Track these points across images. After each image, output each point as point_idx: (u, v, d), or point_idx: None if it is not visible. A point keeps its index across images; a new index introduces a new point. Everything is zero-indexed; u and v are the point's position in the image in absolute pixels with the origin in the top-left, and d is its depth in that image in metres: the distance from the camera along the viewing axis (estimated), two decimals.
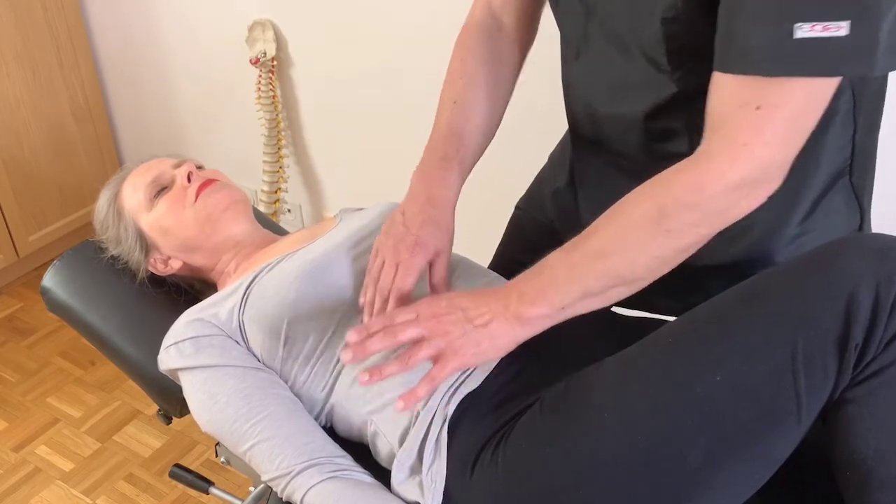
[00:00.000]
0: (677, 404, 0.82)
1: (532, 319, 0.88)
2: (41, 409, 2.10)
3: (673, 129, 0.96)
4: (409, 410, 1.00)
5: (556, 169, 1.24)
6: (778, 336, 0.79)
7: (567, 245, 0.88)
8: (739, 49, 0.78)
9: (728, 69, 0.80)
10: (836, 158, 0.98)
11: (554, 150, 1.29)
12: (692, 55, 0.87)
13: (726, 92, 0.80)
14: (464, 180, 1.09)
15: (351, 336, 0.89)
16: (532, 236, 1.26)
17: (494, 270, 1.25)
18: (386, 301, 1.00)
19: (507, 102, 1.15)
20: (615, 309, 1.20)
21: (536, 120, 1.49)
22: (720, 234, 0.92)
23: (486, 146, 1.12)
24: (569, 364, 0.97)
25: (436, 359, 0.88)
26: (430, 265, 1.03)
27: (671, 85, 0.92)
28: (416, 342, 0.88)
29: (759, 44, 0.76)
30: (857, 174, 1.01)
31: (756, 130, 0.78)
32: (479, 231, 1.47)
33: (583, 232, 0.88)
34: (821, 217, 1.00)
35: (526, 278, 0.90)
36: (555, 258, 0.89)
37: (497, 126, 1.13)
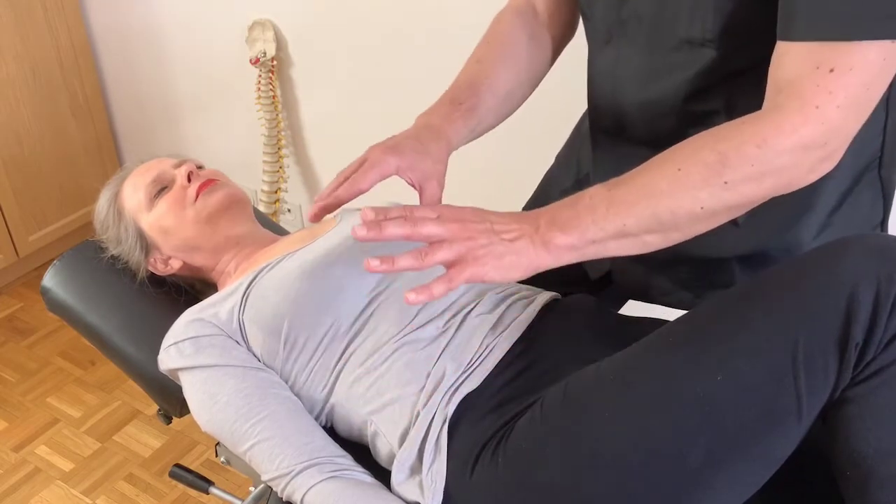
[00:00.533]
0: (678, 404, 0.82)
1: (559, 248, 0.83)
2: (41, 409, 2.10)
3: (711, 112, 0.94)
4: (409, 408, 1.00)
5: (563, 169, 1.24)
6: (778, 336, 0.78)
7: (609, 182, 0.84)
8: (813, 15, 0.76)
9: (800, 37, 0.78)
10: (867, 149, 0.97)
11: (560, 151, 1.28)
12: (741, 31, 0.86)
13: (796, 58, 0.78)
14: (469, 131, 1.04)
15: (367, 213, 0.82)
16: None
17: None
18: (338, 187, 0.94)
19: (534, 84, 1.12)
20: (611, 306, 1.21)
21: (543, 121, 1.49)
22: (745, 222, 0.91)
23: (502, 117, 1.09)
24: (569, 364, 0.97)
25: (453, 264, 0.82)
26: (420, 191, 0.98)
27: (715, 63, 0.90)
28: (436, 244, 0.82)
29: (839, 7, 0.75)
30: (886, 167, 1.00)
31: (829, 93, 0.76)
32: None
33: (627, 173, 0.84)
34: (848, 210, 0.99)
35: (561, 206, 0.85)
36: (595, 191, 0.84)
37: (518, 103, 1.11)
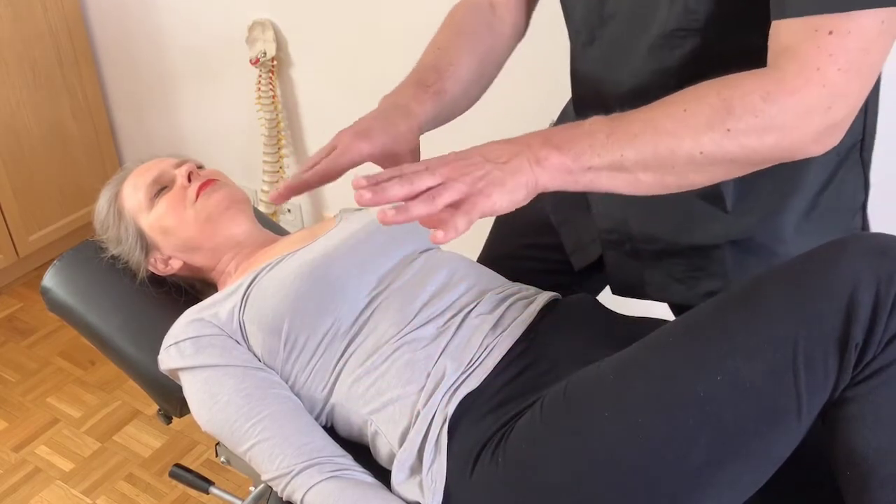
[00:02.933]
0: (678, 404, 0.82)
1: (553, 167, 0.80)
2: (41, 409, 2.10)
3: None
4: (409, 407, 1.00)
5: None
6: (779, 335, 0.78)
7: (612, 115, 0.83)
8: None
9: (794, 13, 0.77)
10: (851, 130, 0.97)
11: None
12: (722, 18, 0.87)
13: (793, 27, 0.78)
14: (435, 115, 1.02)
15: (359, 181, 0.80)
16: (521, 222, 1.23)
17: (483, 262, 1.25)
18: (308, 170, 0.93)
19: (494, 73, 1.12)
20: (614, 307, 1.21)
21: (541, 120, 1.49)
22: (734, 206, 0.89)
23: (466, 105, 1.08)
24: (569, 364, 0.97)
25: (459, 203, 0.79)
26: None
27: (698, 55, 0.90)
28: (440, 187, 0.79)
29: None
30: (866, 149, 1.01)
31: (829, 55, 0.75)
32: (478, 231, 1.47)
33: (630, 111, 0.83)
34: (834, 193, 1.00)
35: (557, 129, 0.83)
36: (595, 119, 0.82)
37: (480, 92, 1.10)
